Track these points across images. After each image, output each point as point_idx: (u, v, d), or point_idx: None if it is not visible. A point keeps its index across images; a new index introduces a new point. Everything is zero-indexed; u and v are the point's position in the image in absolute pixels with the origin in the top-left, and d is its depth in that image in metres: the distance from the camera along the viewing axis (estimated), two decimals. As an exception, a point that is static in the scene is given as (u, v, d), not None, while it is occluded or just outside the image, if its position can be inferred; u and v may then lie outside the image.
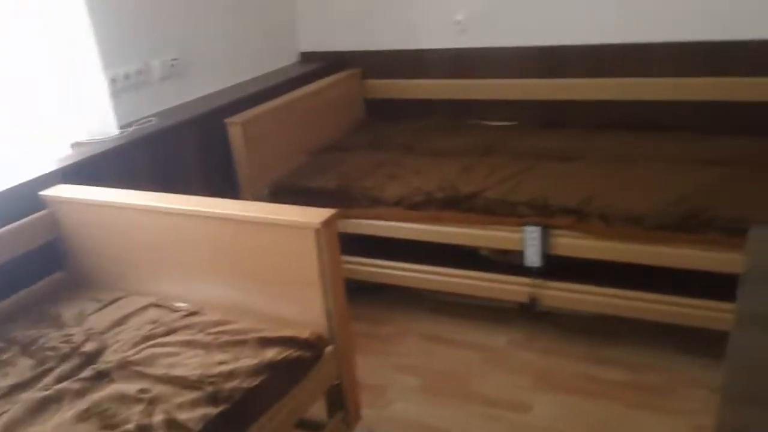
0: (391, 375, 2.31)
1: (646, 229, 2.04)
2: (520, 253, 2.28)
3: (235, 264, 1.80)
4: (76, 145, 2.20)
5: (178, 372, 1.53)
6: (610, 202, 2.14)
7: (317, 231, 1.64)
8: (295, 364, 1.62)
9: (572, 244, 2.17)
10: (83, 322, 1.77)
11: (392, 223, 2.46)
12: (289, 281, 1.73)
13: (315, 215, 1.66)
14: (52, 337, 1.70)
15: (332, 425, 1.79)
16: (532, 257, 2.22)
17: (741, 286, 1.14)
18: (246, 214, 1.75)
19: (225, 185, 2.59)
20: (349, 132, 3.15)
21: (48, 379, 1.54)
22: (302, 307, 1.73)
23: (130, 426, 1.37)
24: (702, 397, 2.03)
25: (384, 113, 3.30)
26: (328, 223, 1.65)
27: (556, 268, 2.25)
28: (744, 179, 2.14)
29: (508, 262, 2.38)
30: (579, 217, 2.14)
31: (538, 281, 2.27)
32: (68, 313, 1.82)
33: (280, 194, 2.62)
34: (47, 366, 1.59)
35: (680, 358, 2.19)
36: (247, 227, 1.75)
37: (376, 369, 2.31)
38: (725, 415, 0.89)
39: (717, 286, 2.00)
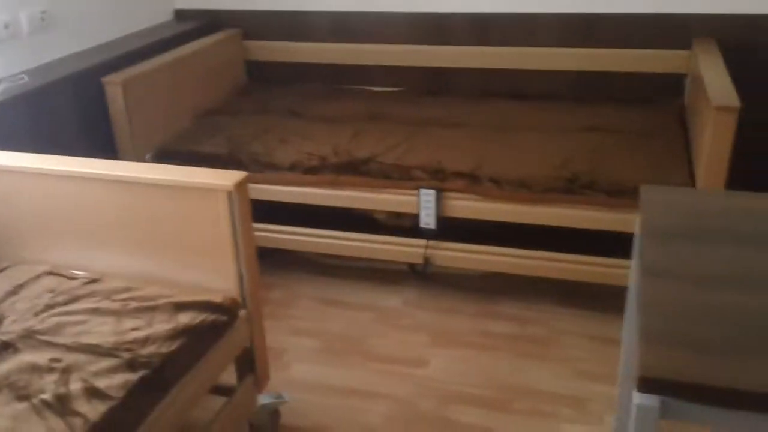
0: (287, 338, 2.38)
1: (534, 192, 2.25)
2: (413, 216, 2.42)
3: (136, 230, 1.78)
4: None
5: (89, 340, 1.51)
6: (500, 166, 2.32)
7: (230, 194, 1.66)
8: (211, 328, 1.65)
9: (465, 206, 2.34)
10: (-31, 293, 1.68)
11: (286, 188, 2.51)
12: (198, 246, 1.74)
13: (226, 177, 1.68)
14: (-64, 311, 1.61)
15: (243, 389, 1.84)
16: (427, 219, 2.37)
17: (640, 242, 1.32)
18: (151, 176, 1.72)
19: (103, 149, 2.50)
20: (232, 96, 3.14)
21: (-58, 354, 1.47)
22: (212, 273, 1.75)
23: (46, 396, 1.35)
24: (582, 345, 2.28)
25: (266, 77, 3.31)
26: (240, 186, 1.68)
27: (448, 229, 2.41)
28: (619, 145, 2.41)
29: (401, 225, 2.51)
30: (472, 181, 2.31)
31: (433, 243, 2.43)
32: (-50, 284, 1.72)
33: (164, 159, 2.58)
34: (-62, 340, 1.51)
35: (561, 311, 2.44)
36: (152, 191, 1.73)
37: (271, 333, 2.36)
38: (646, 355, 1.01)
39: (599, 243, 2.27)
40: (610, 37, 2.82)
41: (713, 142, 1.97)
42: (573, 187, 2.22)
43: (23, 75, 2.32)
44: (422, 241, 2.44)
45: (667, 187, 1.46)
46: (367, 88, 3.19)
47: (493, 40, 2.95)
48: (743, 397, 0.95)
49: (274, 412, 2.00)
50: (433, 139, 2.55)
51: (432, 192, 2.33)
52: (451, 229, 2.42)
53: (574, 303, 2.47)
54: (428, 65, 3.08)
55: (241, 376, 1.86)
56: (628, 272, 2.07)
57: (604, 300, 2.42)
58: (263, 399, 1.95)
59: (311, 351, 2.33)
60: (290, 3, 3.18)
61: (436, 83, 3.11)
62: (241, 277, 1.76)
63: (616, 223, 2.16)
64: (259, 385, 1.90)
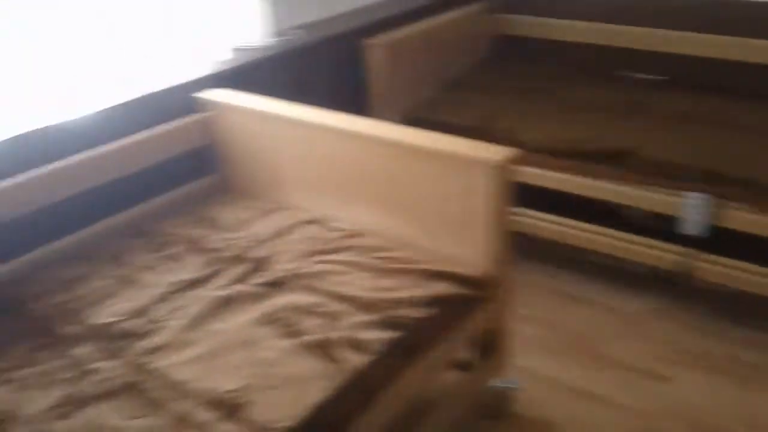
0: (516, 325, 2.31)
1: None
2: (670, 219, 2.25)
3: (396, 192, 1.82)
4: (233, 51, 2.25)
5: (349, 291, 1.58)
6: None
7: (495, 168, 1.64)
8: (462, 301, 1.65)
9: (743, 218, 2.11)
10: (242, 228, 1.83)
11: (535, 170, 2.45)
12: (454, 217, 1.74)
13: (494, 151, 1.66)
14: (214, 240, 1.77)
15: (480, 369, 1.83)
16: (692, 226, 2.19)
17: None
18: (419, 142, 1.76)
19: (353, 109, 2.60)
20: (479, 69, 3.12)
21: (221, 280, 1.61)
22: (464, 246, 1.74)
23: (311, 338, 1.43)
24: None
25: (516, 53, 3.24)
26: (506, 161, 1.65)
27: (713, 239, 2.22)
28: None
29: (651, 227, 2.35)
30: (756, 191, 2.09)
31: (694, 251, 2.24)
32: (225, 218, 1.88)
33: (413, 125, 2.62)
34: (217, 267, 1.66)
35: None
36: (415, 155, 1.75)
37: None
38: None
39: None
40: None
41: None
42: None
43: (297, 30, 2.47)
44: (681, 248, 2.27)
45: None
46: (627, 73, 3.02)
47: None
48: None
49: (505, 398, 1.98)
50: (705, 139, 2.34)
51: (703, 196, 2.15)
52: (713, 239, 2.22)
53: None
54: (699, 54, 2.84)
55: (479, 354, 1.85)
56: None
57: None
58: (495, 382, 1.93)
59: (542, 342, 2.27)
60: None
61: (704, 75, 2.86)
62: (493, 256, 1.74)
63: None
64: (498, 368, 1.88)
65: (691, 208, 2.17)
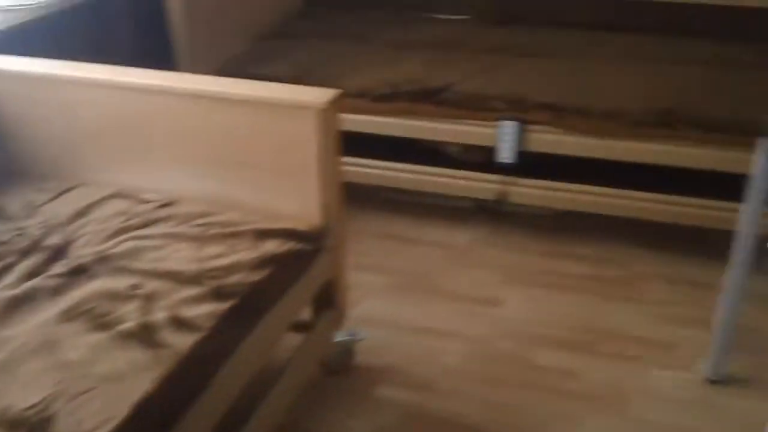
0: (352, 274, 2.15)
1: (625, 125, 1.98)
2: (487, 150, 2.17)
3: (213, 150, 1.55)
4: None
5: (169, 266, 1.30)
6: (588, 97, 2.05)
7: (321, 112, 1.42)
8: (297, 258, 1.43)
9: (549, 140, 2.08)
10: (34, 214, 1.46)
11: (355, 116, 2.24)
12: (281, 169, 1.51)
13: (317, 94, 1.44)
14: (1, 231, 1.40)
15: (321, 325, 1.63)
16: (506, 153, 2.12)
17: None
18: (237, 91, 1.49)
19: (162, 66, 2.25)
20: (290, 19, 2.84)
21: (10, 278, 1.26)
22: (293, 199, 1.52)
23: (129, 325, 1.15)
24: (665, 288, 2.06)
25: (323, 1, 2.99)
26: (332, 104, 1.44)
27: (524, 165, 2.16)
28: (722, 79, 2.12)
29: (473, 160, 2.26)
30: (557, 113, 2.05)
31: (510, 178, 2.18)
32: (13, 204, 1.50)
33: (227, 81, 2.32)
34: (5, 262, 1.30)
35: (639, 252, 2.20)
36: (231, 106, 1.49)
37: (336, 268, 2.15)
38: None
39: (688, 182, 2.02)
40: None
41: None
42: (669, 121, 1.95)
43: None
44: (499, 177, 2.19)
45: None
46: (434, 15, 2.87)
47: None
48: None
49: (347, 351, 1.80)
50: (514, 69, 2.27)
51: (513, 124, 2.07)
52: (526, 164, 2.16)
53: (651, 245, 2.22)
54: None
55: (317, 311, 1.65)
56: (722, 214, 1.88)
57: (683, 242, 2.18)
58: (339, 336, 1.75)
59: (379, 288, 2.11)
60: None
61: (506, 11, 2.77)
62: (325, 206, 1.53)
63: (710, 160, 1.91)
64: (339, 321, 1.70)
65: (503, 137, 2.09)
